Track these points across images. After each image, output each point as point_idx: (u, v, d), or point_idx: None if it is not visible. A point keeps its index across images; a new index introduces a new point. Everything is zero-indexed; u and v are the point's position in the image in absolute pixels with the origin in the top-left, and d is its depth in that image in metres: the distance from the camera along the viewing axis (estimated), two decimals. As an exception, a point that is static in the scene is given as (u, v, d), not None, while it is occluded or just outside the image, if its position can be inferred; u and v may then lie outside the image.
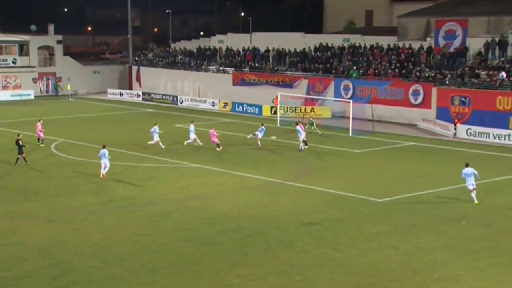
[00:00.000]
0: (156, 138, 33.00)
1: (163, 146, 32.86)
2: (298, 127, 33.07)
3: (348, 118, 40.27)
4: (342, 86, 46.94)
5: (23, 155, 28.57)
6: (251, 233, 19.33)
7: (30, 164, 28.68)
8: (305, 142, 33.28)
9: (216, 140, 32.63)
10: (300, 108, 46.57)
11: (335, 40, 52.39)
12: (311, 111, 46.36)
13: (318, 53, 52.22)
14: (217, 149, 32.59)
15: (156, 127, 33.18)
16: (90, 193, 23.96)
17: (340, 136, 38.91)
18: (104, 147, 26.46)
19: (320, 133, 37.95)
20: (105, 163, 25.99)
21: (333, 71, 48.60)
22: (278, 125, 42.86)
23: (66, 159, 30.60)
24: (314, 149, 34.23)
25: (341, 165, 30.05)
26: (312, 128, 38.77)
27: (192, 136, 33.77)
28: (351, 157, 32.09)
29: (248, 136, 34.78)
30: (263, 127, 34.16)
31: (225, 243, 18.47)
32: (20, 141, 28.56)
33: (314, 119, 40.25)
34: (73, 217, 20.74)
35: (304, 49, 53.03)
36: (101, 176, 25.97)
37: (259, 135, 33.88)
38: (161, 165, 29.37)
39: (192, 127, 34.02)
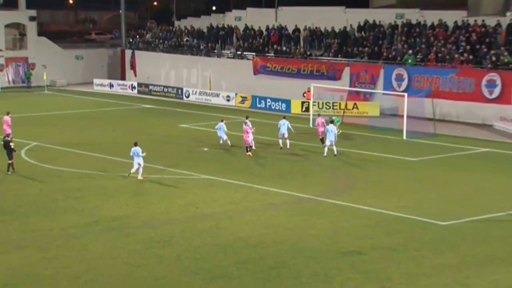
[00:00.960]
0: (224, 136, 34.75)
1: (229, 143, 34.58)
2: (331, 126, 33.32)
3: (402, 116, 40.04)
4: (394, 76, 46.74)
5: (12, 160, 28.95)
6: (276, 265, 19.28)
7: (17, 172, 29.14)
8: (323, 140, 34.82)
9: (249, 139, 33.38)
10: (340, 104, 46.48)
11: (386, 16, 52.22)
12: (353, 108, 46.22)
13: (363, 33, 52.09)
14: (247, 153, 33.33)
15: (222, 124, 34.87)
16: (70, 212, 24.12)
17: (391, 139, 38.71)
18: (136, 144, 28.48)
19: (340, 131, 37.44)
20: (139, 163, 28.22)
21: (383, 56, 48.41)
22: (311, 125, 42.78)
23: (41, 168, 30.88)
24: (357, 156, 34.10)
25: (393, 177, 29.87)
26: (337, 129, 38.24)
27: (224, 136, 35.01)
28: (405, 167, 31.92)
29: (205, 149, 34.98)
30: (222, 123, 35.06)
31: (242, 277, 18.43)
32: (10, 143, 28.87)
33: (342, 117, 40.29)
34: (49, 242, 20.86)
35: (345, 28, 52.94)
36: (139, 178, 28.32)
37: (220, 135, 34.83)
38: (162, 176, 29.48)
39: (222, 126, 35.07)
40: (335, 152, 33.27)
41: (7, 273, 18.51)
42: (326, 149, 33.50)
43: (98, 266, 19.08)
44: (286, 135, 35.25)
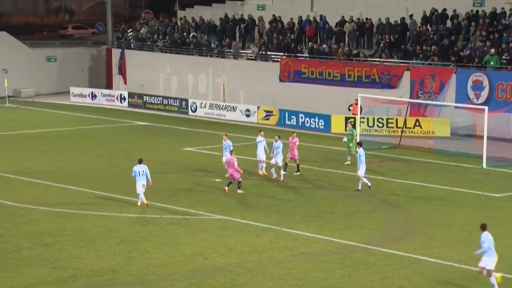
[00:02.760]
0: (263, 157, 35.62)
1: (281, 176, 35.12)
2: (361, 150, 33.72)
3: (481, 137, 39.94)
4: (470, 83, 46.62)
5: None
6: (311, 335, 19.27)
7: None
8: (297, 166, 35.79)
9: (294, 154, 35.41)
10: (396, 121, 46.43)
11: (460, 4, 52.21)
12: (415, 125, 46.10)
13: (428, 26, 52.11)
14: (295, 173, 35.53)
15: (262, 140, 35.83)
16: (38, 264, 24.24)
17: (467, 168, 38.61)
18: (140, 162, 30.49)
19: (354, 151, 37.58)
20: (144, 184, 30.26)
21: (455, 57, 48.40)
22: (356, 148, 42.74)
23: (1, 205, 31.18)
24: (420, 190, 34.00)
25: (469, 219, 29.73)
26: (351, 145, 38.56)
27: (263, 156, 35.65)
28: (486, 206, 31.77)
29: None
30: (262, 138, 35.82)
31: None
32: None
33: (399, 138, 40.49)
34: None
35: (403, 19, 53.02)
36: (145, 204, 30.47)
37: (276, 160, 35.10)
38: (160, 216, 29.64)
39: (262, 140, 36.01)
40: (368, 184, 33.54)
41: None
42: (364, 180, 33.62)
43: (75, 335, 19.25)
44: (263, 159, 35.36)
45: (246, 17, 61.04)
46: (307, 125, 49.77)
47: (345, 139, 38.34)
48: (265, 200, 32.02)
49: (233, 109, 54.16)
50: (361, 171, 33.29)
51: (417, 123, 46.23)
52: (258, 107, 52.72)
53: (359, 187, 33.47)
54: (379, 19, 54.03)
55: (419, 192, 33.80)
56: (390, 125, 46.56)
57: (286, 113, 51.18)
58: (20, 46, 66.72)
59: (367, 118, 46.26)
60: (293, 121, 50.49)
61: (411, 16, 53.03)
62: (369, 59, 52.15)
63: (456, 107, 45.63)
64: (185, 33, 62.78)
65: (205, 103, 55.98)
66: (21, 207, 30.53)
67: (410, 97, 47.45)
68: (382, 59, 51.18)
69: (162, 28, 65.24)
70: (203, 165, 38.94)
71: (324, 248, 26.05)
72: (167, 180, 34.58)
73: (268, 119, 51.76)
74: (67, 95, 62.72)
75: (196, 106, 56.14)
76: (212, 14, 64.43)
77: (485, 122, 39.60)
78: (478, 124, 42.06)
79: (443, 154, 41.44)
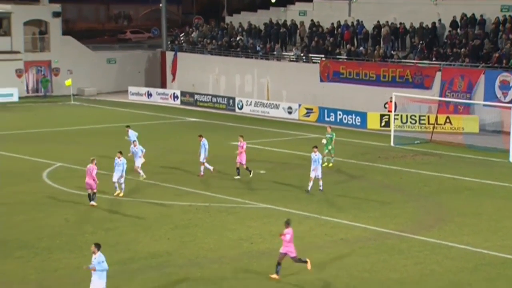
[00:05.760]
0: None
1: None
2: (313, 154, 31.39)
3: (508, 133, 39.52)
4: (498, 83, 46.19)
5: None
6: (349, 315, 19.24)
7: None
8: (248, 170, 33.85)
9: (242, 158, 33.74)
10: (428, 117, 46.11)
11: (488, 9, 51.67)
12: (445, 122, 45.79)
13: (458, 30, 51.65)
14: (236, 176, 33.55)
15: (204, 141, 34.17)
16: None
17: (494, 162, 38.29)
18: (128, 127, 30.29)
19: (329, 163, 36.11)
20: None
21: (484, 59, 47.88)
22: (392, 143, 42.57)
23: (65, 193, 31.55)
24: (450, 182, 33.76)
25: (497, 209, 29.49)
26: (327, 150, 36.14)
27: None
28: (512, 197, 31.51)
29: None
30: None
31: (308, 329, 18.47)
32: None
33: (431, 135, 39.86)
34: (75, 283, 21.24)
35: (434, 23, 52.62)
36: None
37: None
38: (209, 204, 29.80)
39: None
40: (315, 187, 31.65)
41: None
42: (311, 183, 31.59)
43: (133, 312, 19.42)
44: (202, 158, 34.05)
45: (288, 22, 60.99)
46: (345, 121, 49.61)
47: (324, 141, 36.08)
48: (305, 191, 31.94)
49: (276, 106, 54.16)
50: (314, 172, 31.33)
51: (448, 120, 45.91)
52: (299, 105, 52.66)
53: (309, 188, 31.55)
54: (412, 24, 53.70)
55: (449, 183, 33.59)
56: (422, 121, 46.30)
57: (325, 111, 51.04)
58: (84, 49, 67.31)
59: (401, 115, 46.01)
60: (332, 118, 50.32)
61: (439, 21, 52.63)
62: (402, 60, 51.86)
63: (484, 105, 45.27)
64: (232, 37, 62.93)
65: (251, 101, 56.04)
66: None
67: (440, 96, 47.16)
68: (415, 61, 50.90)
69: (212, 32, 65.47)
70: (249, 157, 38.88)
71: (360, 235, 26.01)
72: (216, 171, 34.64)
73: (308, 116, 51.69)
74: (126, 93, 63.20)
75: (243, 104, 56.22)
76: (257, 19, 64.51)
77: (511, 119, 39.17)
78: (505, 120, 41.69)
79: (472, 148, 41.07)
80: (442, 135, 44.22)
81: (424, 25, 52.77)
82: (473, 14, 51.46)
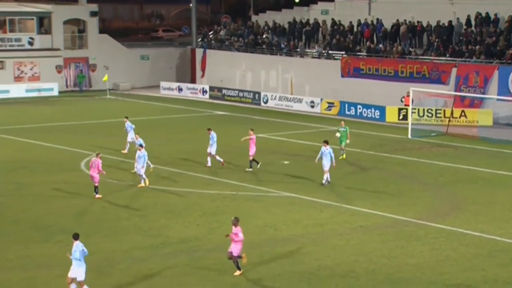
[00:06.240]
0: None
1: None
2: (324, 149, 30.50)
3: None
4: (511, 78, 45.78)
5: None
6: (368, 298, 19.21)
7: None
8: (255, 161, 33.31)
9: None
10: (444, 111, 45.82)
11: (502, 9, 51.14)
12: (460, 116, 45.49)
13: (473, 28, 51.20)
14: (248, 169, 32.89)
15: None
16: (134, 232, 24.73)
17: (508, 153, 38.01)
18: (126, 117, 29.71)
19: (344, 156, 35.47)
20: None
21: (498, 56, 47.44)
22: (409, 136, 42.38)
23: (102, 182, 31.71)
24: (465, 172, 33.56)
25: (509, 198, 29.32)
26: (344, 144, 35.51)
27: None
28: (524, 187, 31.27)
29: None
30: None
31: (329, 310, 18.48)
32: None
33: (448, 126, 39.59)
34: (111, 266, 21.44)
35: (450, 22, 52.21)
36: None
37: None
38: (236, 192, 29.84)
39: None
40: (328, 180, 30.69)
41: (65, 299, 19.16)
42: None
43: (165, 293, 19.52)
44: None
45: (311, 21, 60.84)
46: (364, 115, 49.44)
47: (338, 134, 35.50)
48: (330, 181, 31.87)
49: (300, 101, 54.08)
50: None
51: (463, 114, 45.61)
52: (321, 99, 52.54)
53: (324, 181, 30.79)
54: (428, 22, 53.35)
55: (464, 174, 33.40)
56: (438, 115, 46.05)
57: (346, 105, 50.88)
58: (119, 47, 67.66)
59: (418, 109, 45.76)
60: (352, 112, 50.19)
61: (457, 19, 52.22)
62: (420, 57, 51.54)
63: (498, 99, 44.92)
64: (258, 35, 62.89)
65: (275, 96, 55.99)
66: (120, 184, 30.97)
67: (455, 90, 46.87)
68: (431, 57, 50.58)
69: (239, 31, 65.45)
70: (273, 148, 39.01)
71: (379, 222, 25.93)
72: (242, 162, 34.69)
73: (330, 110, 51.56)
74: (158, 88, 63.44)
75: (268, 98, 56.19)
76: (281, 18, 64.44)
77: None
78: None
79: (486, 141, 40.78)
80: (458, 128, 43.92)
81: (440, 24, 52.42)
82: (487, 13, 51.02)
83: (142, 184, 30.35)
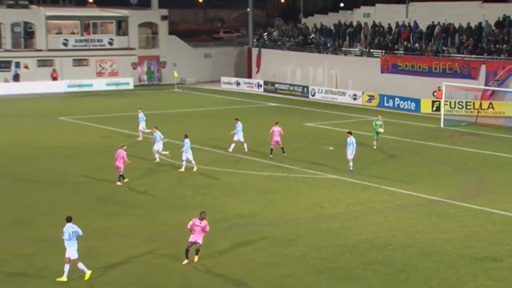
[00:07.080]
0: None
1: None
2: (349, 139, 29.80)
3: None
4: (534, 74, 44.80)
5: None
6: (404, 268, 19.10)
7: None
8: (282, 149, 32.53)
9: (278, 141, 32.56)
10: (473, 104, 45.07)
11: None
12: (488, 107, 44.71)
13: (501, 29, 50.15)
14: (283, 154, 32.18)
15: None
16: (199, 208, 24.69)
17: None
18: (186, 136, 29.64)
19: (375, 147, 34.68)
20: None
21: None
22: (441, 125, 41.83)
23: (170, 164, 32.11)
24: (492, 158, 33.02)
25: (531, 181, 28.71)
26: (379, 135, 34.58)
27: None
28: (545, 171, 30.64)
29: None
30: (239, 123, 33.31)
31: (369, 278, 18.43)
32: None
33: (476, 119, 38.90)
34: (178, 237, 21.62)
35: (480, 23, 51.21)
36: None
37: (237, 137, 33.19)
38: (287, 174, 29.87)
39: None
40: (350, 168, 29.84)
41: (140, 265, 19.48)
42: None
43: (225, 262, 19.69)
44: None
45: (354, 23, 60.29)
46: (401, 106, 48.91)
47: (381, 130, 34.31)
48: (367, 165, 31.70)
49: (343, 94, 53.74)
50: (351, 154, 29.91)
51: (491, 105, 44.77)
52: (363, 92, 52.14)
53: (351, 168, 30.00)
54: (460, 24, 52.42)
55: (491, 159, 32.85)
56: (468, 107, 45.30)
57: (385, 97, 50.40)
58: (185, 46, 68.11)
59: (450, 102, 45.09)
60: (390, 104, 49.71)
61: (486, 21, 51.22)
62: (452, 55, 50.74)
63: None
64: (307, 36, 62.63)
65: (322, 89, 55.75)
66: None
67: (485, 85, 45.99)
68: (462, 55, 49.75)
69: (290, 32, 65.31)
70: (320, 136, 38.90)
71: (414, 202, 25.71)
72: (292, 147, 34.68)
73: (370, 102, 51.15)
74: (219, 83, 63.72)
75: (315, 92, 55.97)
76: (328, 21, 64.05)
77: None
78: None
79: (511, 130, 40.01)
80: (485, 118, 43.22)
81: (471, 25, 51.47)
82: (515, 15, 49.98)
83: (183, 169, 30.00)
